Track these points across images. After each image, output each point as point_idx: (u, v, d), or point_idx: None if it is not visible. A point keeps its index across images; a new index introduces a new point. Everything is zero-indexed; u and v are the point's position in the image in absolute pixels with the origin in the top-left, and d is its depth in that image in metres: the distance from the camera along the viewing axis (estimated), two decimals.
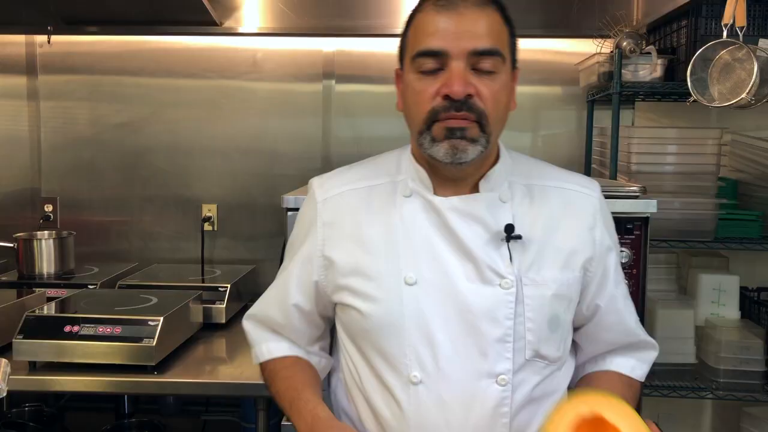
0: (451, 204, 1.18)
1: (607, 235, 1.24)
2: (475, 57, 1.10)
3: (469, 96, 1.09)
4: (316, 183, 1.31)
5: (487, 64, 1.10)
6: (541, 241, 1.19)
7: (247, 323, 1.40)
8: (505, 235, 1.16)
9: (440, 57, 1.10)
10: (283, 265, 1.35)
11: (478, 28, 1.10)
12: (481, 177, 1.19)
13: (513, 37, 1.17)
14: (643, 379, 1.32)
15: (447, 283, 1.16)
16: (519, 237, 1.16)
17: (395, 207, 1.21)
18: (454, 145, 1.11)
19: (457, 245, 1.17)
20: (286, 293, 1.30)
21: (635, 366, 1.30)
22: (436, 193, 1.20)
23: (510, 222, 1.16)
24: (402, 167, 1.25)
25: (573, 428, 1.00)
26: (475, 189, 1.20)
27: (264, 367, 1.35)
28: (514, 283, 1.15)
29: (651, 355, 1.32)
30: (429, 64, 1.11)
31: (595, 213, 1.23)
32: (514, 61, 1.18)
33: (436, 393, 1.15)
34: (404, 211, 1.21)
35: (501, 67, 1.12)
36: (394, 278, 1.17)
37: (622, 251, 1.36)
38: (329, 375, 1.40)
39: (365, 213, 1.23)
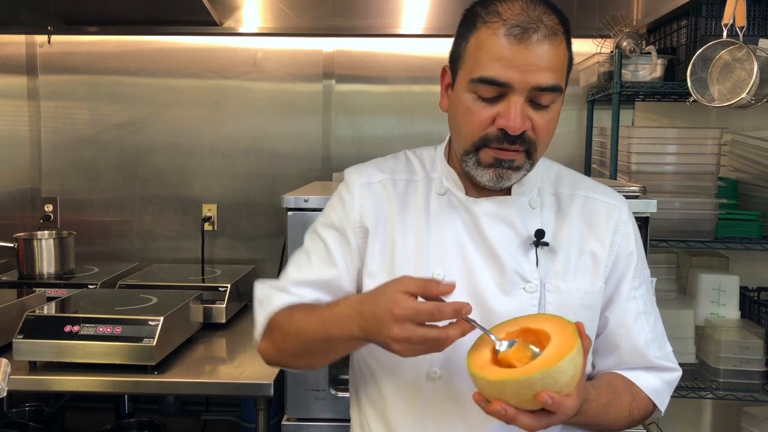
0: (482, 205, 1.19)
1: (627, 247, 1.22)
2: (536, 92, 1.08)
3: (524, 131, 1.10)
4: (353, 170, 1.29)
5: (546, 99, 1.10)
6: (567, 249, 1.19)
7: (261, 286, 1.28)
8: (534, 239, 1.17)
9: (502, 87, 1.08)
10: (307, 249, 1.28)
11: (545, 63, 1.07)
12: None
13: (571, 55, 1.15)
14: (653, 393, 1.23)
15: (472, 283, 1.16)
16: (546, 244, 1.17)
17: (429, 204, 1.22)
18: (500, 174, 1.12)
19: (485, 246, 1.17)
20: (333, 266, 1.23)
21: (653, 382, 1.23)
22: (468, 193, 1.21)
23: (540, 227, 1.17)
24: (436, 165, 1.26)
25: (495, 352, 1.03)
26: (506, 192, 1.21)
27: (272, 323, 1.21)
28: (538, 288, 1.16)
29: (670, 376, 1.25)
30: (489, 91, 1.09)
31: (618, 224, 1.22)
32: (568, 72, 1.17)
33: (454, 389, 1.16)
34: (437, 208, 1.22)
35: (558, 98, 1.12)
36: (422, 274, 1.17)
37: (653, 278, 1.33)
38: (349, 365, 1.36)
39: (401, 205, 1.23)
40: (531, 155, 1.13)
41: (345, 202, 1.26)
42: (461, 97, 1.13)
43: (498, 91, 1.08)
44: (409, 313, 0.97)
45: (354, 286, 1.24)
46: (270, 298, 1.22)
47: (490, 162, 1.12)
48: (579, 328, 1.00)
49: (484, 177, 1.14)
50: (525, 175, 1.16)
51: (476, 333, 1.04)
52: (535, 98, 1.09)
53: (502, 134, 1.09)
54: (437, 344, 0.99)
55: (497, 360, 1.02)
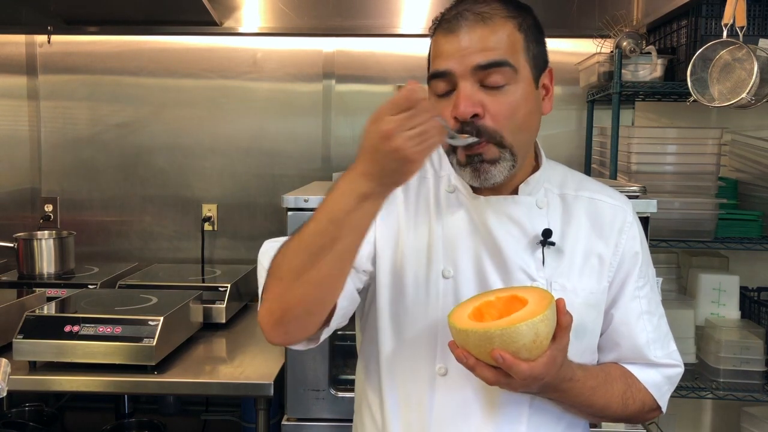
0: (490, 204, 1.19)
1: (632, 248, 1.23)
2: (482, 72, 1.09)
3: (476, 116, 1.09)
4: None
5: (495, 77, 1.09)
6: (572, 249, 1.20)
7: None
8: (541, 239, 1.17)
9: (448, 78, 1.10)
10: None
11: (481, 44, 1.09)
12: (521, 181, 1.20)
13: (535, 42, 1.16)
14: (652, 387, 1.24)
15: (481, 281, 1.17)
16: (553, 243, 1.18)
17: (439, 201, 1.22)
18: (476, 169, 1.12)
19: (493, 245, 1.18)
20: None
21: (653, 376, 1.24)
22: (475, 191, 1.21)
23: (547, 227, 1.18)
24: (444, 163, 1.26)
25: (479, 310, 1.06)
26: (513, 191, 1.21)
27: (272, 264, 1.08)
28: (545, 287, 1.16)
29: (671, 371, 1.25)
30: (441, 86, 1.12)
31: (623, 225, 1.23)
32: (543, 64, 1.18)
33: (459, 387, 1.16)
34: (446, 206, 1.22)
35: (513, 78, 1.11)
36: (432, 270, 1.18)
37: (659, 278, 1.33)
38: (356, 367, 1.35)
39: (413, 202, 1.23)
40: (503, 144, 1.11)
41: None
42: (430, 102, 1.15)
43: (447, 84, 1.11)
44: (383, 108, 0.93)
45: (371, 260, 1.19)
46: (274, 247, 1.12)
47: (465, 160, 1.13)
48: (559, 305, 1.02)
49: (467, 177, 1.14)
50: (513, 166, 1.13)
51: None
52: (484, 80, 1.10)
53: (460, 125, 1.09)
54: (419, 109, 0.92)
55: (479, 313, 1.06)
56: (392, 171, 0.95)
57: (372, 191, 0.96)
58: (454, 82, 1.10)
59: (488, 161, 1.11)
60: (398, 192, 1.23)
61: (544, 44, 1.19)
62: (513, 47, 1.12)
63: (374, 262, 1.21)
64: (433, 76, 1.13)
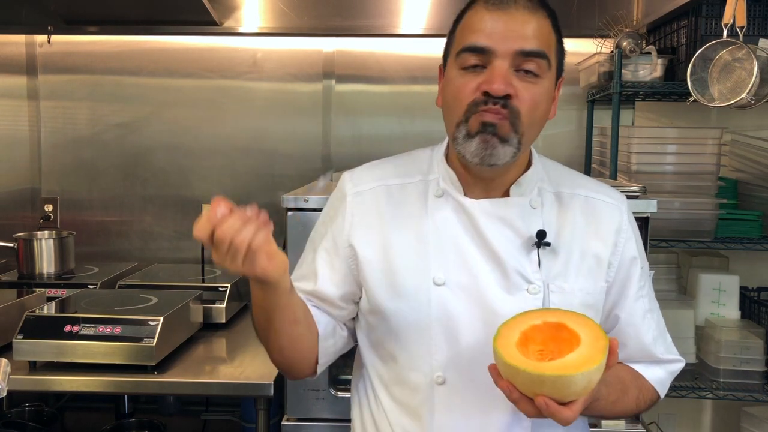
0: (482, 207, 1.18)
1: (631, 248, 1.23)
2: (520, 58, 1.09)
3: (508, 96, 1.09)
4: (348, 176, 1.29)
5: (531, 65, 1.10)
6: (568, 249, 1.19)
7: None
8: (536, 240, 1.16)
9: (485, 54, 1.10)
10: (302, 257, 1.31)
11: (526, 30, 1.10)
12: (513, 182, 1.19)
13: (561, 45, 1.17)
14: (657, 384, 1.27)
15: (475, 286, 1.16)
16: (548, 244, 1.17)
17: (426, 206, 1.21)
18: (485, 140, 1.10)
19: (486, 248, 1.16)
20: (314, 279, 1.25)
21: (659, 374, 1.27)
22: (467, 194, 1.20)
23: (542, 228, 1.17)
24: (434, 166, 1.25)
25: (525, 336, 1.03)
26: (506, 193, 1.20)
27: None
28: (542, 289, 1.16)
29: (674, 367, 1.29)
30: (472, 60, 1.11)
31: (620, 224, 1.23)
32: (560, 69, 1.19)
33: (458, 394, 1.16)
34: (435, 211, 1.20)
35: (545, 72, 1.12)
36: (423, 278, 1.17)
37: (651, 270, 1.34)
38: (353, 368, 1.36)
39: (396, 210, 1.22)
40: (517, 128, 1.10)
41: (337, 212, 1.26)
42: (450, 76, 1.15)
43: (481, 59, 1.10)
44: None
45: (344, 290, 1.24)
46: None
47: (477, 129, 1.10)
48: (612, 345, 1.01)
49: (472, 146, 1.11)
50: (516, 153, 1.12)
51: (489, 335, 1.05)
52: (520, 65, 1.10)
53: (486, 97, 1.09)
54: (218, 245, 1.10)
55: (525, 338, 1.02)
56: (253, 278, 1.09)
57: (261, 286, 1.12)
58: (488, 60, 1.10)
59: (499, 136, 1.10)
60: (380, 208, 1.23)
61: (564, 52, 1.20)
62: (549, 44, 1.13)
63: (353, 283, 1.23)
64: (468, 49, 1.11)
